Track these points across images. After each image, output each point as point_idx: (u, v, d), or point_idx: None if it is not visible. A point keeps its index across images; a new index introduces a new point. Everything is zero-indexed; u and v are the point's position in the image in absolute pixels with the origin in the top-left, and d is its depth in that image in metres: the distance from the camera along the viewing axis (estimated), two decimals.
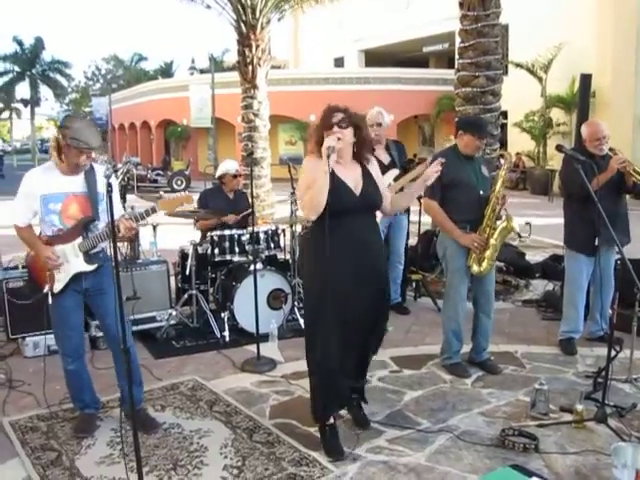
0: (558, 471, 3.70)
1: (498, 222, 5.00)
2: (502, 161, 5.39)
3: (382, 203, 4.05)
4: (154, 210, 4.01)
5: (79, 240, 4.03)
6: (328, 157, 3.58)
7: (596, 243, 5.36)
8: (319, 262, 3.74)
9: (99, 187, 4.00)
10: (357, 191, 3.85)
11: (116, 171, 7.55)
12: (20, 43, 53.99)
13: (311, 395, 4.01)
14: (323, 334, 3.74)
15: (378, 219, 6.54)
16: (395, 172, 6.62)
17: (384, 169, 6.50)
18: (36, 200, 3.95)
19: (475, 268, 5.01)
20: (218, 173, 6.90)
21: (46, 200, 3.96)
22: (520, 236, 5.77)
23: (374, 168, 4.06)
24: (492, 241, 4.96)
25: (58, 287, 4.07)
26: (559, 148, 4.98)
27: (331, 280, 3.64)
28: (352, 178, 3.86)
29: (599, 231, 5.27)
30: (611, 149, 5.43)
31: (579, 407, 4.26)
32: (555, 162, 20.37)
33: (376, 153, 5.69)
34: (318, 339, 3.80)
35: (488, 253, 4.97)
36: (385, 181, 6.58)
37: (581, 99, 8.91)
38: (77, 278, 4.09)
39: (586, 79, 8.83)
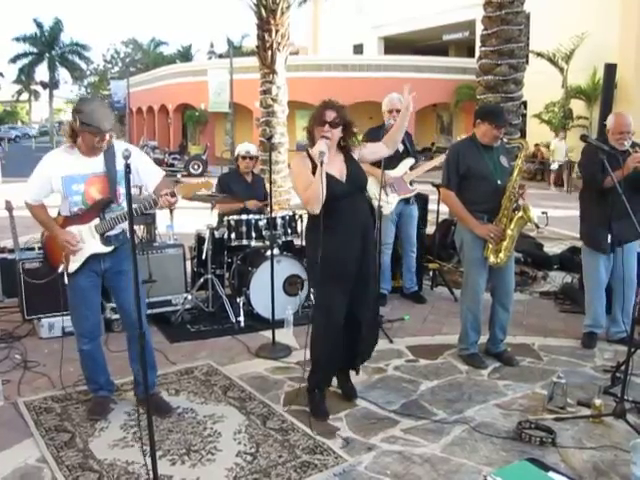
0: (575, 466, 3.65)
1: (515, 212, 4.90)
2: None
3: (367, 181, 4.39)
4: (173, 194, 3.90)
5: (96, 221, 3.99)
6: (321, 164, 3.87)
7: (609, 241, 5.26)
8: (321, 243, 3.95)
9: (118, 166, 3.92)
10: (343, 178, 4.13)
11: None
12: (39, 25, 54.27)
13: (313, 366, 4.29)
14: (328, 293, 4.12)
15: (391, 207, 6.54)
16: (411, 161, 6.63)
17: (399, 157, 6.48)
18: (56, 181, 3.91)
19: (492, 259, 4.93)
20: (235, 154, 6.99)
21: (68, 181, 3.92)
22: (538, 227, 5.68)
23: (362, 149, 4.35)
24: (509, 231, 4.88)
25: (73, 267, 4.05)
26: (584, 138, 4.89)
27: (332, 250, 3.98)
28: (337, 168, 4.12)
29: (611, 227, 5.17)
30: (635, 144, 5.20)
31: (597, 402, 4.20)
32: (575, 154, 20.15)
33: None
34: (325, 298, 4.15)
35: (505, 244, 4.89)
36: (401, 171, 6.59)
37: (605, 89, 8.74)
38: (95, 259, 4.06)
39: (611, 69, 8.66)
